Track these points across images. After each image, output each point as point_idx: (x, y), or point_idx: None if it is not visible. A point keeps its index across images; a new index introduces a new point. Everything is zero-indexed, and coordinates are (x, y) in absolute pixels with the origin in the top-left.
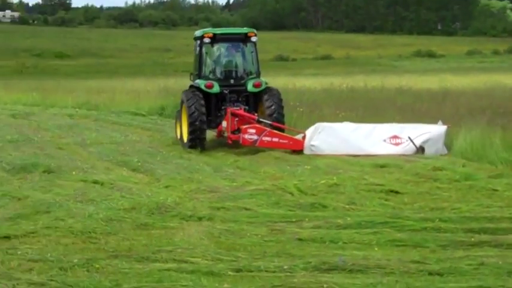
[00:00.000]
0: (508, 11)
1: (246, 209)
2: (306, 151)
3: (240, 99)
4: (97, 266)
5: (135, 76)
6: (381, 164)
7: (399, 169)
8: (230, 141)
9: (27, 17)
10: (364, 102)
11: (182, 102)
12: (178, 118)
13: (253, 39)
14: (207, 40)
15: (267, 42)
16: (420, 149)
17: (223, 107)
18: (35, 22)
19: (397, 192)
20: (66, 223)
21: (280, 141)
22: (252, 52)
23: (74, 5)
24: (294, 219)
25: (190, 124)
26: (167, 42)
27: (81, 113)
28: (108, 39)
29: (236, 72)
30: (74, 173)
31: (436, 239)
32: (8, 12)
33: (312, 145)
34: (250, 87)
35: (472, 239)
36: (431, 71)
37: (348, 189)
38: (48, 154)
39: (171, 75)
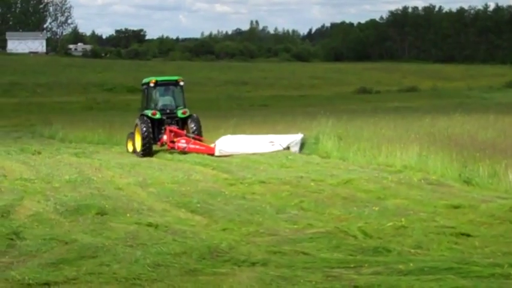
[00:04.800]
0: None
1: (304, 253)
2: (216, 153)
3: (173, 122)
4: None
5: (209, 111)
6: (455, 204)
7: (474, 210)
8: (169, 148)
9: (100, 49)
10: (441, 138)
11: (136, 125)
12: (130, 137)
13: (181, 83)
14: (152, 84)
15: (349, 73)
16: (286, 148)
17: (163, 128)
18: (108, 55)
19: (468, 235)
20: (111, 269)
21: (200, 147)
22: (180, 92)
23: (148, 37)
24: (352, 265)
25: (143, 139)
26: (244, 74)
27: None
28: (183, 72)
29: (170, 105)
30: (128, 215)
31: (503, 287)
32: (80, 45)
33: (220, 149)
34: (179, 114)
35: None
36: None
37: (416, 232)
38: (104, 195)
39: (247, 110)
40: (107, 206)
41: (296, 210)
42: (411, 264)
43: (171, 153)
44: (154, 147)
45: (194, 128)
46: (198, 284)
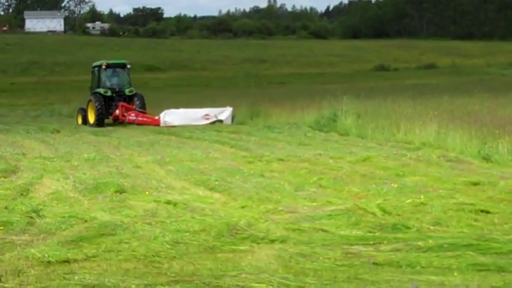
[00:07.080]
0: None
1: (323, 230)
2: (162, 124)
3: (121, 99)
4: None
5: (227, 89)
6: (474, 181)
7: (493, 187)
8: (121, 121)
9: (118, 28)
10: (460, 115)
11: (90, 101)
12: (80, 112)
13: (128, 66)
14: (103, 67)
15: (367, 51)
16: (218, 120)
17: (113, 103)
18: (125, 34)
19: (487, 212)
20: (130, 246)
21: (148, 119)
22: (126, 74)
23: (166, 15)
24: (371, 242)
25: (97, 113)
26: (262, 52)
27: (164, 129)
28: (201, 50)
29: (118, 84)
30: (147, 192)
31: None
32: (98, 24)
33: (165, 121)
34: (127, 92)
35: None
36: None
37: (435, 208)
38: (123, 173)
39: (265, 87)
40: (125, 184)
41: (315, 187)
42: (430, 241)
43: (190, 131)
44: (106, 121)
45: (139, 103)
46: (216, 261)
